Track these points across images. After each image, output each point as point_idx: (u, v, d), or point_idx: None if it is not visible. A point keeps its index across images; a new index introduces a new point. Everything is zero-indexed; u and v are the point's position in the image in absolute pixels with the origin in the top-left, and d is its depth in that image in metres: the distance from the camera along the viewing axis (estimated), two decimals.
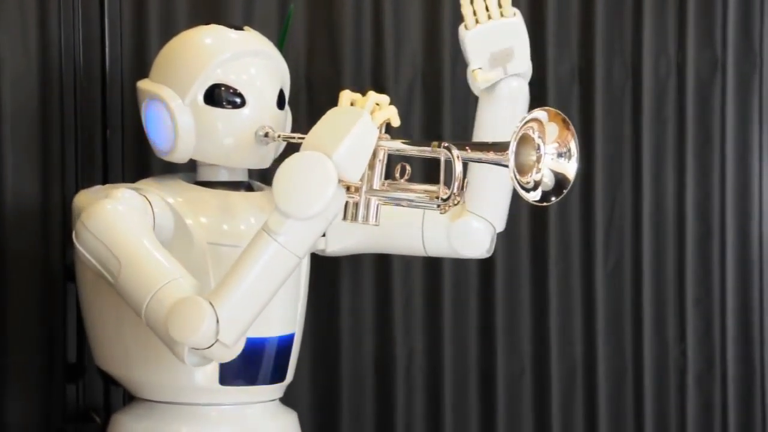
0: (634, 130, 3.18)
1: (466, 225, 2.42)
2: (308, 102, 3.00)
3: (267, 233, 2.05)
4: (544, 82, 3.10)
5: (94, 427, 2.74)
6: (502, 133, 2.12)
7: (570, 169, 2.05)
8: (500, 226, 2.45)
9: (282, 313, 2.37)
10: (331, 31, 3.01)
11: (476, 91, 2.40)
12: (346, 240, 2.49)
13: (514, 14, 2.37)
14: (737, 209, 3.24)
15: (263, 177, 2.68)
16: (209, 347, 2.05)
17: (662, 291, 3.21)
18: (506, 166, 1.99)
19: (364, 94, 2.16)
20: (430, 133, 2.99)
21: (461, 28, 2.37)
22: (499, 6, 2.36)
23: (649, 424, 3.20)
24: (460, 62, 3.08)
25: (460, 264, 3.05)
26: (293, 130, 2.41)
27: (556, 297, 3.14)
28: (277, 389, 2.43)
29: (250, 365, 2.31)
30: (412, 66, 3.06)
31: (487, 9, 2.35)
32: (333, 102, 2.96)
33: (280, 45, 2.64)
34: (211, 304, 2.04)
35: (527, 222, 3.12)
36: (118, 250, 2.15)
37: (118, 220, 2.19)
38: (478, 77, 2.35)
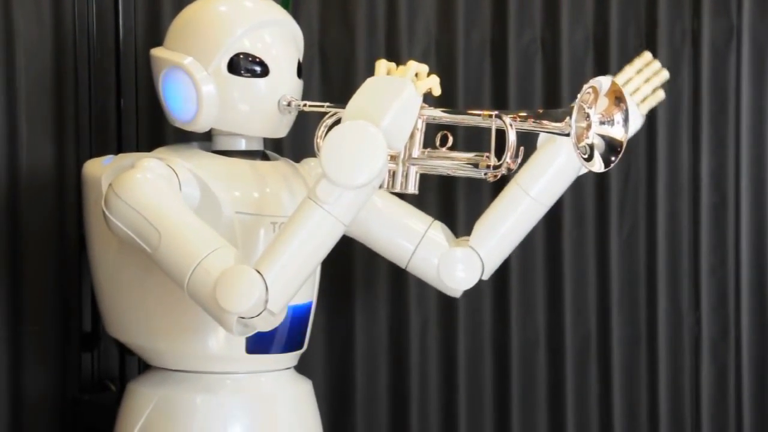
0: None
1: (467, 255, 2.37)
2: (322, 71, 3.00)
3: (314, 201, 2.04)
4: (559, 50, 3.09)
5: (109, 395, 2.75)
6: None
7: (615, 132, 2.07)
8: (487, 275, 2.41)
9: None
10: None
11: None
12: None
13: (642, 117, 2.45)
14: (752, 177, 3.22)
15: (277, 146, 2.68)
16: (256, 316, 2.06)
17: (677, 259, 3.21)
18: (567, 134, 2.02)
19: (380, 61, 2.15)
20: (444, 102, 2.98)
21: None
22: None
23: (663, 392, 3.20)
24: (473, 30, 3.07)
25: None
26: (304, 98, 2.40)
27: (571, 265, 3.14)
28: (293, 357, 2.43)
29: (270, 333, 2.30)
30: (426, 34, 3.05)
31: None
32: (347, 71, 2.99)
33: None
34: (258, 272, 2.04)
35: None
36: (156, 221, 2.15)
37: (153, 190, 2.19)
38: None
